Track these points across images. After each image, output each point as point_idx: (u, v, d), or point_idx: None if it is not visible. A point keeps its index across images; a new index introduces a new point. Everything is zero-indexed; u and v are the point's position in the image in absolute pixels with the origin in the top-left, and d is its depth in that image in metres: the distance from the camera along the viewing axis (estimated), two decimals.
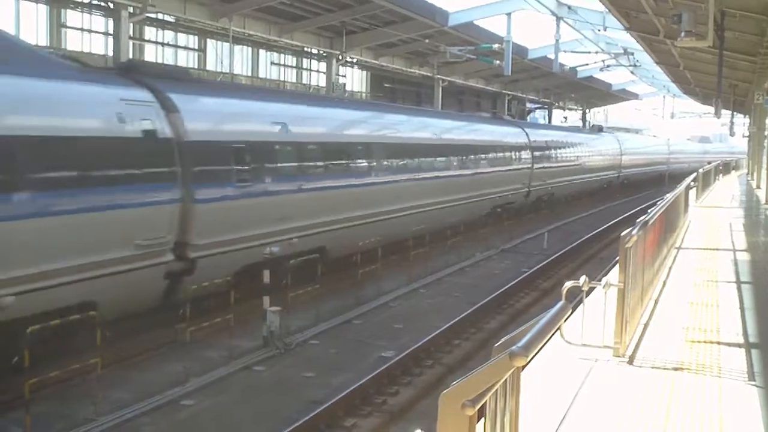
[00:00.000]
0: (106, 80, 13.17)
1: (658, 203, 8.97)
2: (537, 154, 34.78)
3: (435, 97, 42.08)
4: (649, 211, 8.12)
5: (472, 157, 27.64)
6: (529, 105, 57.91)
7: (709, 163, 37.85)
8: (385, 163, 21.47)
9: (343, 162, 19.37)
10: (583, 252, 27.29)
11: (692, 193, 21.03)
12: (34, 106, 11.27)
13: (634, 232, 6.70)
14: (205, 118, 14.94)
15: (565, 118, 65.12)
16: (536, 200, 35.73)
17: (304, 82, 35.25)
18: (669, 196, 10.96)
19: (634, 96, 70.96)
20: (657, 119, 77.96)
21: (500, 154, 30.62)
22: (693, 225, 16.40)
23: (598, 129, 53.52)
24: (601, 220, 35.17)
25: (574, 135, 44.72)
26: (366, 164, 20.46)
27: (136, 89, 13.29)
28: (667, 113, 68.76)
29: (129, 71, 14.13)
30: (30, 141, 10.84)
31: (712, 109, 27.01)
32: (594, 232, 30.66)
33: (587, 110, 71.49)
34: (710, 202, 23.77)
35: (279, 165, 16.53)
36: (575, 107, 68.36)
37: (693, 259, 11.76)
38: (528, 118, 56.95)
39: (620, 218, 34.41)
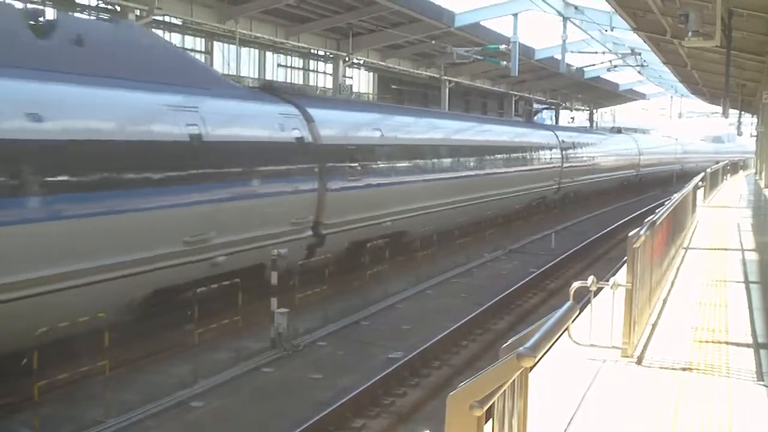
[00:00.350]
0: (267, 99, 17.24)
1: (666, 203, 8.93)
2: (566, 153, 37.63)
3: (442, 98, 42.06)
4: (657, 210, 8.09)
5: (517, 156, 31.37)
6: (536, 105, 57.88)
7: (717, 162, 37.68)
8: (449, 162, 25.04)
9: (421, 161, 23.14)
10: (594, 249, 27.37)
11: (700, 193, 20.94)
12: (236, 120, 15.51)
13: (642, 232, 6.68)
14: (331, 126, 18.65)
15: (572, 118, 65.04)
16: (564, 196, 38.62)
17: (311, 83, 35.28)
18: (677, 196, 10.91)
19: (642, 96, 70.80)
20: (665, 119, 77.85)
21: (537, 154, 34.05)
22: (701, 225, 16.33)
23: (617, 131, 54.97)
24: (621, 215, 36.89)
25: (596, 136, 47.68)
26: (436, 163, 24.16)
27: (286, 105, 17.41)
28: (675, 113, 68.65)
29: (271, 90, 18.13)
30: (241, 146, 15.06)
31: (719, 109, 26.92)
32: (606, 230, 31.92)
33: (594, 110, 71.37)
34: (718, 202, 23.67)
35: (379, 164, 20.60)
36: (582, 108, 68.24)
37: (701, 259, 11.72)
38: (535, 118, 57.04)
39: (638, 213, 35.33)
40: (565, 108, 63.99)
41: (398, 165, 21.70)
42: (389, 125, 21.83)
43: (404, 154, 22.12)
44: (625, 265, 6.86)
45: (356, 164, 19.19)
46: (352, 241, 19.04)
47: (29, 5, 20.65)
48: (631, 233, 6.60)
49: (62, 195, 11.00)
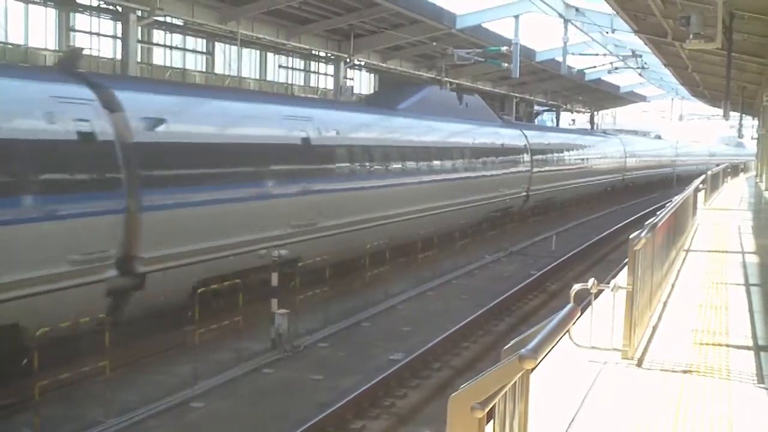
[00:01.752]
0: (516, 128, 26.57)
1: (666, 206, 8.93)
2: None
3: None
4: (657, 213, 8.10)
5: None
6: (536, 107, 57.86)
7: (717, 165, 37.51)
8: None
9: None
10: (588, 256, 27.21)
11: (700, 195, 20.94)
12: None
13: (643, 234, 6.69)
14: (534, 138, 26.73)
15: (573, 120, 64.88)
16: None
17: (312, 85, 35.29)
18: (678, 199, 10.91)
19: (642, 98, 70.77)
20: (666, 121, 77.74)
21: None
22: (701, 227, 16.34)
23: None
24: (601, 228, 33.72)
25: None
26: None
27: (518, 129, 27.22)
28: (676, 115, 68.62)
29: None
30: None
31: (720, 112, 26.96)
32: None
33: (595, 112, 71.34)
34: (719, 205, 23.68)
35: (551, 156, 26.85)
36: (583, 110, 68.19)
37: (702, 261, 11.72)
38: (536, 120, 56.76)
39: (621, 225, 33.59)
40: (566, 110, 63.96)
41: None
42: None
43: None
44: (626, 267, 6.86)
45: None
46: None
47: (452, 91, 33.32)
48: (632, 235, 6.61)
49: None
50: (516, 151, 32.19)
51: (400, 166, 22.19)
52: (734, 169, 46.60)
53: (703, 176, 22.58)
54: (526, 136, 33.72)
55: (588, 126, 66.46)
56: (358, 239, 19.07)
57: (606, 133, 54.99)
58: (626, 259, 6.85)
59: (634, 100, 71.64)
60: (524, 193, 32.70)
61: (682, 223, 12.41)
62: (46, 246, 11.19)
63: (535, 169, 33.62)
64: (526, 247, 28.24)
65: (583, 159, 42.09)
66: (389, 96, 26.38)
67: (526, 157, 33.04)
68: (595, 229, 33.43)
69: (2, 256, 10.68)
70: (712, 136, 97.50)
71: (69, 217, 11.52)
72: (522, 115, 51.63)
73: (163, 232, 13.26)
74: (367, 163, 20.44)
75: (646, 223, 7.08)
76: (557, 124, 61.27)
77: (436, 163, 24.53)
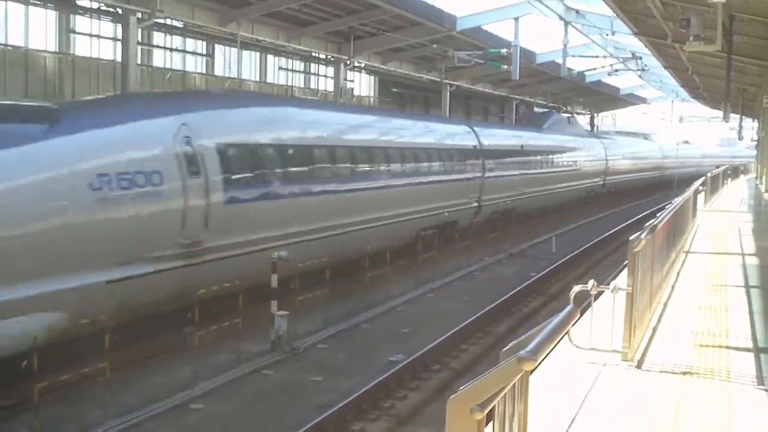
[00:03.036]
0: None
1: (659, 215, 8.92)
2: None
3: (443, 102, 42.09)
4: (658, 214, 8.10)
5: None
6: (536, 110, 57.88)
7: (718, 167, 37.21)
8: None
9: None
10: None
11: (700, 197, 20.92)
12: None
13: (643, 236, 6.69)
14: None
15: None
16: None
17: (312, 86, 35.30)
18: (678, 200, 10.90)
19: (642, 100, 70.77)
20: (665, 123, 77.60)
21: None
22: (701, 229, 16.32)
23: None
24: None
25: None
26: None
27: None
28: (676, 117, 68.58)
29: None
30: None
31: (720, 113, 26.96)
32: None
33: (595, 115, 71.32)
34: (719, 206, 23.66)
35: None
36: (583, 112, 68.20)
37: (702, 263, 11.71)
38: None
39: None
40: (566, 112, 63.89)
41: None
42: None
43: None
44: (626, 269, 6.86)
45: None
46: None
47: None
48: (632, 237, 6.60)
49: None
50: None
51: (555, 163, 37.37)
52: (734, 171, 46.25)
53: (703, 178, 22.55)
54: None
55: (588, 128, 65.96)
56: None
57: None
58: (625, 262, 6.85)
59: (635, 102, 71.60)
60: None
61: (682, 225, 12.40)
62: (464, 192, 26.73)
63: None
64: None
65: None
66: (532, 119, 42.94)
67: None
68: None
69: (451, 192, 25.51)
70: (712, 138, 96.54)
71: (472, 179, 27.48)
72: (522, 118, 51.63)
73: (491, 189, 28.75)
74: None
75: (646, 224, 7.08)
76: None
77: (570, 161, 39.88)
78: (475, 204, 27.65)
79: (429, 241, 23.82)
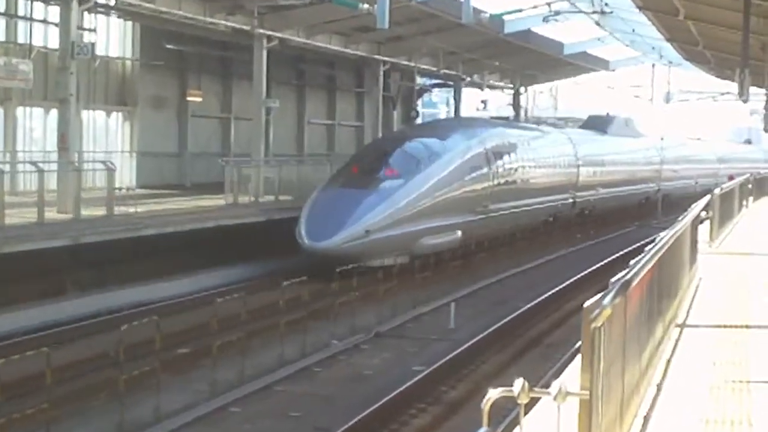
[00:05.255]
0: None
1: (642, 255, 5.87)
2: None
3: (255, 65, 25.31)
4: (630, 263, 5.25)
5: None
6: (421, 80, 39.63)
7: (732, 178, 26.58)
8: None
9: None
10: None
11: (703, 229, 13.98)
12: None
13: (607, 300, 4.00)
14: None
15: (484, 102, 46.76)
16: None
17: (21, 40, 23.44)
18: (664, 236, 7.51)
19: (603, 64, 46.02)
20: (643, 104, 51.49)
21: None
22: (706, 285, 11.61)
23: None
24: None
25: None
26: None
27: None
28: (659, 94, 45.94)
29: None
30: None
31: (734, 87, 18.85)
32: None
33: (523, 89, 46.42)
34: (733, 246, 16.21)
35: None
36: (502, 84, 45.68)
37: (706, 343, 8.08)
38: (420, 101, 42.05)
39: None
40: (473, 84, 42.72)
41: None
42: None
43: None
44: (579, 358, 4.09)
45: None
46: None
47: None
48: (587, 303, 3.90)
49: None
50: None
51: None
52: (759, 185, 28.78)
53: (707, 199, 14.86)
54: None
55: (509, 109, 45.83)
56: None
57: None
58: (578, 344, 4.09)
59: (590, 68, 46.14)
60: (571, 200, 33.98)
61: (672, 279, 8.77)
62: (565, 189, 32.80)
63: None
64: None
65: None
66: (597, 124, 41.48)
67: None
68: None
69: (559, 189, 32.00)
70: (720, 130, 67.07)
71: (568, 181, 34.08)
72: (396, 93, 36.48)
73: (583, 185, 34.05)
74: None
75: (612, 281, 4.36)
76: (457, 108, 41.83)
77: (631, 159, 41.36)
78: (571, 200, 34.44)
79: (549, 224, 32.51)
